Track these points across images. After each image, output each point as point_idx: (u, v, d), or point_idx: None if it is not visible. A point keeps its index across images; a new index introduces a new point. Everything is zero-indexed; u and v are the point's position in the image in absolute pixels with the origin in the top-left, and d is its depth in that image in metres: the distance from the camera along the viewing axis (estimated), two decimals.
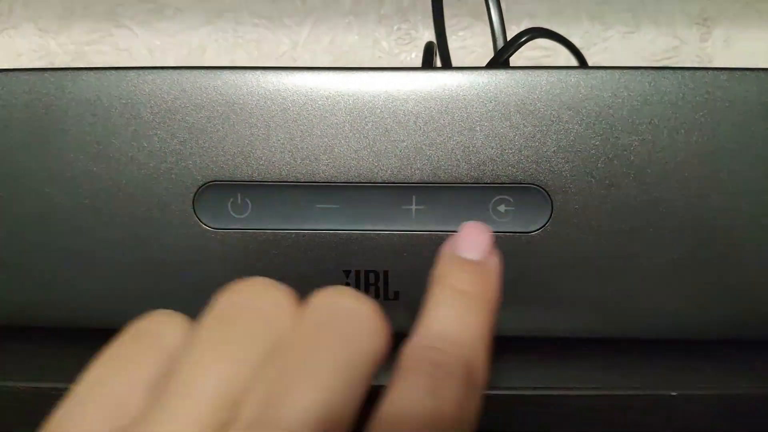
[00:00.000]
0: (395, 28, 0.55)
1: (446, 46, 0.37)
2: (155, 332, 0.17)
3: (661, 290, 0.24)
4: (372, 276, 0.24)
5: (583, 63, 0.33)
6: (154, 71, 0.23)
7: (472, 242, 0.20)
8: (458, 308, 0.18)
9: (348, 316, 0.16)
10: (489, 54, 0.55)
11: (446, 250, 0.20)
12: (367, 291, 0.24)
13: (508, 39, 0.26)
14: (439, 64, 0.38)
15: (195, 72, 0.23)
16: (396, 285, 0.24)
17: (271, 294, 0.17)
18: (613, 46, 0.54)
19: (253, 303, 0.17)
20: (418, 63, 0.55)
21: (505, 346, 0.25)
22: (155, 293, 0.25)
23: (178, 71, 0.23)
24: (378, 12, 0.54)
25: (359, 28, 0.55)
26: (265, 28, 0.55)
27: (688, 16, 0.54)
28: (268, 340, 0.16)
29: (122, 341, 0.17)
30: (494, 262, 0.19)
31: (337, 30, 0.55)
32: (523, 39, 0.25)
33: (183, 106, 0.23)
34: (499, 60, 0.25)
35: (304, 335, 0.16)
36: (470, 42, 0.55)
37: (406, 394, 0.16)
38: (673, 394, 0.22)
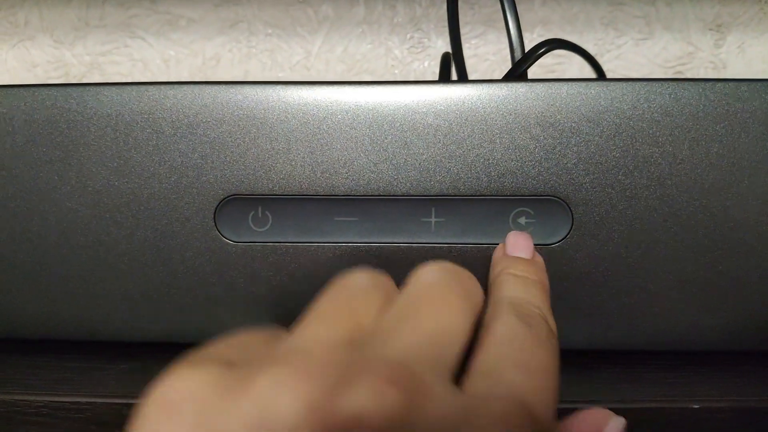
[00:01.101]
0: (408, 36, 0.55)
1: (462, 57, 0.37)
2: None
3: (682, 302, 0.24)
4: None
5: (600, 73, 0.33)
6: (175, 86, 0.23)
7: (521, 245, 0.22)
8: (523, 285, 0.20)
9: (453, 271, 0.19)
10: (502, 62, 0.55)
11: (498, 254, 0.23)
12: None
13: (526, 50, 0.26)
14: (455, 74, 0.38)
15: (215, 87, 0.23)
16: None
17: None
18: (626, 52, 0.54)
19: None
20: (431, 71, 0.56)
21: None
22: (176, 306, 0.25)
23: (198, 86, 0.23)
24: (391, 21, 0.54)
25: (372, 37, 0.55)
26: (278, 37, 0.55)
27: (702, 22, 0.54)
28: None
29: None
30: (541, 259, 0.22)
31: (350, 39, 0.55)
32: (541, 50, 0.25)
33: (204, 120, 0.23)
34: (517, 71, 0.26)
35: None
36: (483, 50, 0.55)
37: (504, 327, 0.18)
38: (696, 406, 0.22)
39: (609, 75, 0.54)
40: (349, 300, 0.18)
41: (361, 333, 0.17)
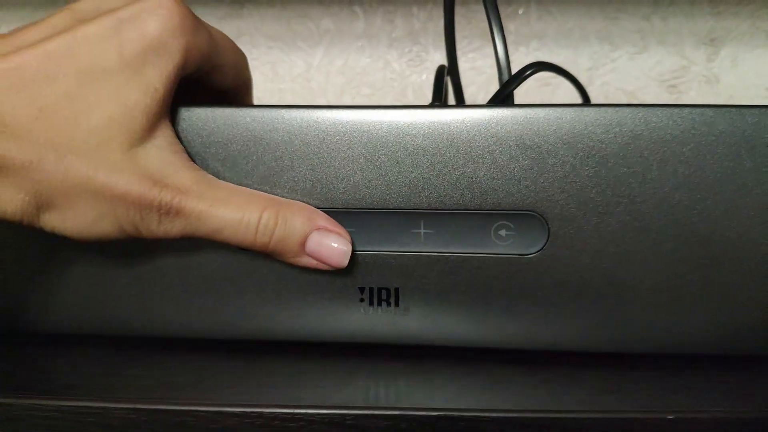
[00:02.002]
0: (406, 50, 0.56)
1: (457, 71, 0.38)
2: None
3: (652, 307, 0.25)
4: (384, 293, 0.26)
5: (583, 93, 0.34)
6: (189, 109, 0.25)
7: None
8: None
9: None
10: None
11: None
12: (379, 305, 0.26)
13: (514, 71, 0.28)
14: (449, 87, 0.39)
15: (227, 110, 0.25)
16: (407, 301, 0.26)
17: None
18: (621, 66, 0.55)
19: None
20: (429, 84, 0.57)
21: (501, 369, 0.26)
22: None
23: (211, 109, 0.25)
24: (390, 35, 0.55)
25: (371, 51, 0.56)
26: (280, 50, 0.56)
27: (696, 37, 0.55)
28: None
29: None
30: None
31: (350, 52, 0.56)
32: (527, 73, 0.27)
33: (216, 141, 0.25)
34: (504, 92, 0.27)
35: None
36: (480, 63, 0.56)
37: None
38: (670, 417, 0.23)
39: (605, 87, 0.55)
40: None
41: None
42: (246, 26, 0.55)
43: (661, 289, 0.25)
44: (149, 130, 0.23)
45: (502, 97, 0.27)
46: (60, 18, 0.24)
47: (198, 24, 0.25)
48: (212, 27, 0.26)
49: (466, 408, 0.23)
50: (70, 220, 0.23)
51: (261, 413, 0.24)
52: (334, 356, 0.27)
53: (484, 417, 0.23)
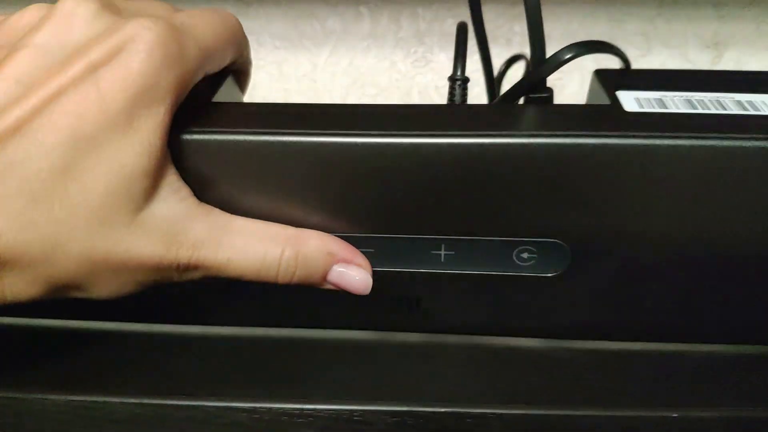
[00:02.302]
0: (412, 51, 0.56)
1: (481, 23, 0.36)
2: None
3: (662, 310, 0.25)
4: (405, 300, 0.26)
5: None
6: (192, 137, 0.23)
7: None
8: None
9: None
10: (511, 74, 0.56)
11: None
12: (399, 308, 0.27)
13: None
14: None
15: (235, 137, 0.23)
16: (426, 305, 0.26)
17: None
18: None
19: None
20: (434, 85, 0.57)
21: (508, 367, 0.26)
22: None
23: (215, 136, 0.23)
24: (395, 35, 0.56)
25: (377, 51, 0.56)
26: (285, 50, 0.57)
27: (700, 39, 0.55)
28: None
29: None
30: None
31: (355, 53, 0.56)
32: (566, 57, 0.26)
33: (225, 169, 0.24)
34: (538, 78, 0.26)
35: None
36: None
37: None
38: (675, 415, 0.23)
39: None
40: None
41: None
42: (252, 25, 0.55)
43: (671, 296, 0.25)
44: (152, 189, 0.21)
45: (536, 82, 0.26)
46: (25, 64, 0.21)
47: (183, 42, 0.22)
48: (199, 20, 0.23)
49: (473, 404, 0.24)
50: (91, 292, 0.22)
51: (269, 408, 0.24)
52: (342, 352, 0.27)
53: (491, 414, 0.23)
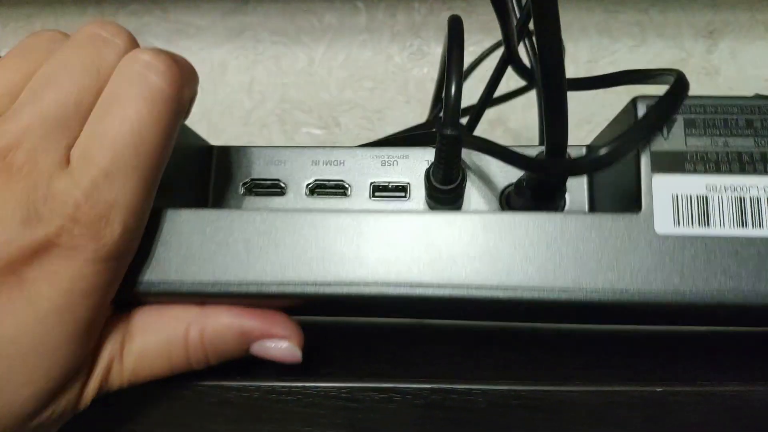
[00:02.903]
0: (408, 44, 0.57)
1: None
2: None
3: None
4: None
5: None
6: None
7: None
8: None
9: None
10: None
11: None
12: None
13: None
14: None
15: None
16: None
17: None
18: (620, 59, 0.56)
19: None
20: (431, 77, 0.57)
21: (495, 346, 0.27)
22: None
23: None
24: (392, 29, 0.56)
25: (373, 45, 0.57)
26: (283, 45, 0.57)
27: (695, 29, 0.55)
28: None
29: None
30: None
31: (352, 47, 0.57)
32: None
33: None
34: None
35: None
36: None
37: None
38: (659, 390, 0.24)
39: None
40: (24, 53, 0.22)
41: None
42: (250, 21, 0.56)
43: None
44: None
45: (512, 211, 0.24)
46: None
47: (108, 263, 0.20)
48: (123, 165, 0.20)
49: (457, 380, 0.24)
50: None
51: (258, 386, 0.24)
52: (330, 331, 0.28)
53: (476, 389, 0.24)
